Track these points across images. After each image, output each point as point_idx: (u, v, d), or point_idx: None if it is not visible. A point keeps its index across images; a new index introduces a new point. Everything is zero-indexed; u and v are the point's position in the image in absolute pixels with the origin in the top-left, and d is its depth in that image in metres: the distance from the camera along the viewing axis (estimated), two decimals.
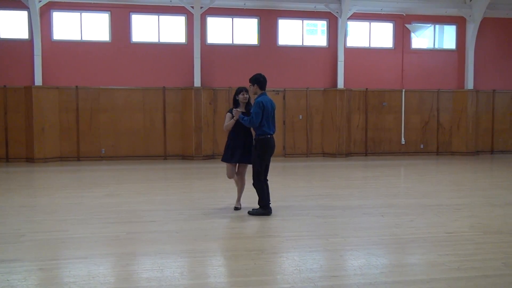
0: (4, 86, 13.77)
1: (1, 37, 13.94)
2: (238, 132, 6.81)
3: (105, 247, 5.25)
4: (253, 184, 6.80)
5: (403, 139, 16.00)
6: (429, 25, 16.02)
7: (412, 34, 15.99)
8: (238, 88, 6.86)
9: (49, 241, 5.44)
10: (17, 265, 4.58)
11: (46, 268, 4.54)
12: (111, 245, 5.35)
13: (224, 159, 6.93)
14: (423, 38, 16.25)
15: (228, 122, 6.79)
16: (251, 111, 6.63)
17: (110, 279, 4.27)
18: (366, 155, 15.79)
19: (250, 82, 6.77)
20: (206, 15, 14.76)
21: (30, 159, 13.76)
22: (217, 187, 9.39)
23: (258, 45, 15.25)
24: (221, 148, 14.87)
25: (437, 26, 16.31)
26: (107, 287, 4.07)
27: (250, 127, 6.75)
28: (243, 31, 15.31)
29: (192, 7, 14.05)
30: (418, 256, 4.95)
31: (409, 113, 16.03)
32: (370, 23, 15.86)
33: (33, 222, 6.35)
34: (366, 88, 15.73)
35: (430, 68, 16.18)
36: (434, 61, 16.22)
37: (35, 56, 13.73)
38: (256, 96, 6.76)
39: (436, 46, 16.40)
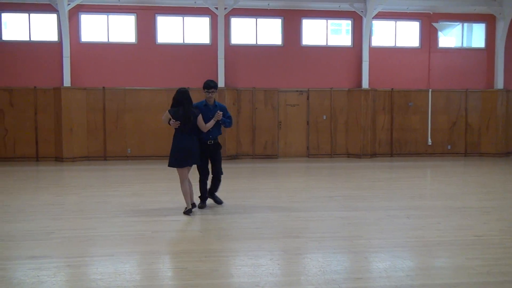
0: (35, 87, 14.16)
1: (32, 39, 14.34)
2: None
3: (130, 245, 5.33)
4: (219, 179, 7.33)
5: (429, 139, 15.70)
6: (457, 23, 15.67)
7: (439, 33, 15.67)
8: (182, 89, 6.95)
9: (76, 239, 5.57)
10: (46, 261, 4.70)
11: (74, 265, 4.64)
12: (136, 243, 5.44)
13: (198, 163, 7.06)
14: (451, 36, 15.91)
15: (209, 123, 6.91)
16: (227, 114, 7.18)
17: (135, 277, 4.33)
18: (391, 156, 15.56)
19: (214, 88, 7.03)
20: (230, 16, 14.83)
21: (59, 158, 14.11)
22: (239, 187, 9.42)
23: (282, 45, 15.22)
24: (245, 148, 14.91)
25: (465, 24, 15.94)
26: (133, 284, 4.13)
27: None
28: (267, 32, 15.31)
29: (216, 8, 14.13)
30: (445, 260, 4.85)
31: (436, 114, 15.72)
32: (395, 22, 15.62)
33: (61, 220, 6.51)
34: (392, 88, 15.51)
35: (458, 67, 15.83)
36: (462, 60, 15.86)
37: (64, 58, 14.07)
38: (214, 100, 7.15)
39: (464, 45, 16.03)
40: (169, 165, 6.87)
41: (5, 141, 14.11)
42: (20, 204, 7.56)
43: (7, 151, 14.11)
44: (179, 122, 6.68)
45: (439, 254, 5.06)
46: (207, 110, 7.02)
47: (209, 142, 7.07)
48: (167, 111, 6.80)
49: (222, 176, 7.34)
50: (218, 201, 7.48)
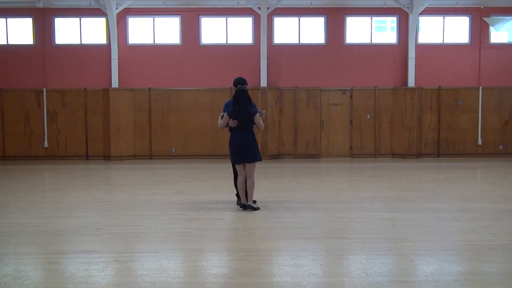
0: (85, 88, 14.76)
1: (82, 43, 14.95)
2: None
3: (175, 243, 5.45)
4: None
5: (480, 139, 15.06)
6: (510, 17, 14.94)
7: (491, 28, 15.00)
8: (241, 88, 6.99)
9: (124, 235, 5.75)
10: (96, 256, 4.89)
11: (121, 260, 4.80)
12: (180, 240, 5.55)
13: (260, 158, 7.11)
14: (504, 31, 15.18)
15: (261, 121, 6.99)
16: (257, 110, 7.09)
17: (179, 274, 4.43)
18: (438, 156, 15.06)
19: (246, 85, 7.13)
20: (273, 15, 14.84)
21: (107, 157, 14.64)
22: (282, 187, 9.41)
23: (325, 44, 15.07)
24: (288, 147, 14.88)
25: None
26: (177, 281, 4.22)
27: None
28: (309, 30, 15.21)
29: (259, 8, 14.18)
30: (497, 265, 4.64)
31: (487, 112, 15.06)
32: (444, 18, 15.09)
33: (110, 217, 6.75)
34: (439, 86, 15.00)
35: (511, 63, 15.08)
36: None
37: (112, 60, 14.58)
38: None
39: None
40: (231, 162, 7.15)
41: (57, 140, 14.80)
42: (72, 201, 7.91)
43: (60, 149, 14.80)
44: (237, 120, 6.85)
45: (491, 259, 4.84)
46: None
47: None
48: (225, 113, 6.95)
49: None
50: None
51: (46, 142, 14.77)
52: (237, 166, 7.02)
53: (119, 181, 10.59)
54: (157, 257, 4.86)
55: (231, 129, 7.03)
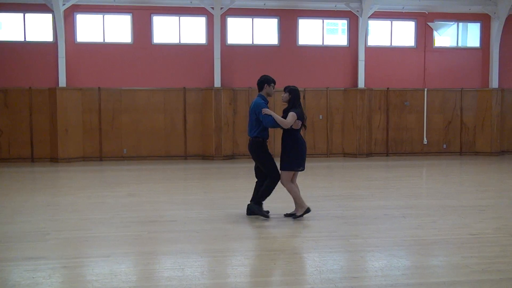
0: (30, 87, 14.10)
1: (27, 40, 14.28)
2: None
3: (127, 246, 5.32)
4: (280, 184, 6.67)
5: (425, 139, 15.75)
6: (452, 23, 15.74)
7: (435, 33, 15.73)
8: (296, 88, 6.53)
9: (73, 240, 5.55)
10: (42, 262, 4.68)
11: (69, 266, 4.63)
12: (132, 244, 5.42)
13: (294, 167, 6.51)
14: (446, 36, 15.97)
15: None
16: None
17: (131, 278, 4.32)
18: (387, 155, 15.60)
19: (273, 84, 6.61)
20: (226, 16, 14.82)
21: (54, 159, 14.05)
22: (237, 188, 9.42)
23: (278, 45, 15.23)
24: (242, 148, 14.88)
25: (460, 24, 16.01)
26: (129, 285, 4.12)
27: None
28: (263, 31, 15.31)
29: (212, 8, 14.12)
30: (441, 258, 4.87)
31: (431, 113, 15.77)
32: (391, 22, 15.67)
33: (58, 221, 6.49)
34: (388, 88, 15.55)
35: (453, 66, 15.90)
36: (458, 59, 15.93)
37: (59, 58, 14.01)
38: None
39: (460, 44, 16.09)
40: (290, 169, 6.50)
41: (0, 142, 14.04)
42: (16, 205, 7.53)
43: (2, 152, 14.05)
44: (301, 122, 6.41)
45: (435, 252, 5.07)
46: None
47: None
48: (294, 113, 6.31)
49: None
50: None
51: None
52: (292, 172, 6.52)
53: (68, 184, 10.19)
54: (108, 262, 4.72)
55: (295, 132, 6.43)
